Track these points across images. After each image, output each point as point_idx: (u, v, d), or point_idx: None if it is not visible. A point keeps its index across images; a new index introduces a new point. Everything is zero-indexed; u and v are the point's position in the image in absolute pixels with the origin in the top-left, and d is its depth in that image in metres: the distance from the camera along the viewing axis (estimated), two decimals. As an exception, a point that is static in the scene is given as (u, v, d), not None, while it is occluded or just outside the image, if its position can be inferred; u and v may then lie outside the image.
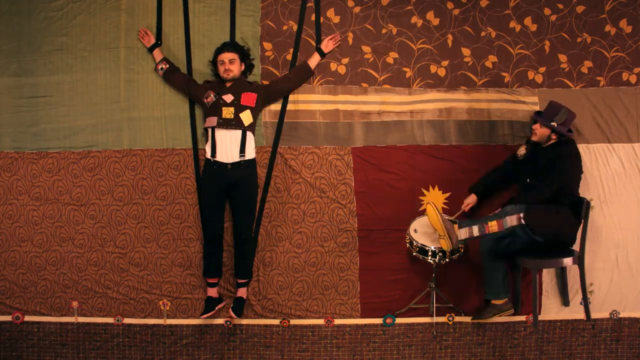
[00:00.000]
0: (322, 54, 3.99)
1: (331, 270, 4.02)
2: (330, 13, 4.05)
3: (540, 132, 3.69)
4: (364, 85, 4.05)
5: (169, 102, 4.00)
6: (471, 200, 3.88)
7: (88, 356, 4.03)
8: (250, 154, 3.79)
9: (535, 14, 4.07)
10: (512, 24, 4.07)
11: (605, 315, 4.04)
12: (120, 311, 4.02)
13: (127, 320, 4.02)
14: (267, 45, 4.03)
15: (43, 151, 4.00)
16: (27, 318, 4.02)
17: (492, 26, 4.07)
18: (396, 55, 4.06)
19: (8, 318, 4.02)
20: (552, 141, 3.70)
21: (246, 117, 3.76)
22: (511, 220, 3.52)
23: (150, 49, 3.94)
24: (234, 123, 3.74)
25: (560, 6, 4.07)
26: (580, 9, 4.06)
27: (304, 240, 4.02)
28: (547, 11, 4.06)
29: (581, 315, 3.98)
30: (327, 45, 3.99)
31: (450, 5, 4.07)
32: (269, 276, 4.02)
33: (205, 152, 3.82)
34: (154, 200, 3.99)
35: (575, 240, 3.74)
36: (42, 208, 4.00)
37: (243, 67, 3.86)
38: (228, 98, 3.78)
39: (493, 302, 3.76)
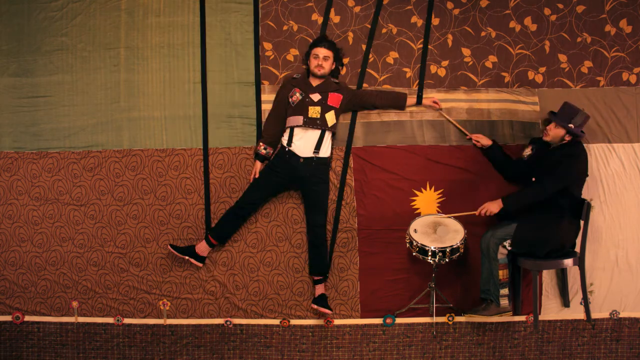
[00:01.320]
0: (419, 102, 3.99)
1: (331, 271, 4.02)
2: (331, 13, 4.05)
3: (554, 132, 3.68)
4: (364, 85, 4.05)
5: (169, 102, 4.00)
6: (485, 141, 3.90)
7: (88, 356, 4.03)
8: (325, 152, 3.79)
9: (535, 14, 4.07)
10: (512, 24, 4.07)
11: (605, 315, 4.04)
12: (120, 311, 4.02)
13: (127, 320, 4.02)
14: (267, 45, 4.03)
15: (43, 151, 4.00)
16: (27, 318, 4.02)
17: (492, 26, 4.07)
18: (396, 55, 4.06)
19: (8, 318, 4.02)
20: (564, 142, 3.69)
21: (330, 117, 3.76)
22: (502, 251, 3.68)
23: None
24: (319, 122, 3.73)
25: (560, 6, 4.07)
26: (580, 9, 4.06)
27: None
28: (547, 11, 4.07)
29: (581, 315, 3.98)
30: (427, 102, 3.97)
31: (450, 5, 4.07)
32: (269, 276, 4.02)
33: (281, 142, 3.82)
34: (154, 200, 3.99)
35: (574, 244, 3.74)
36: (42, 208, 4.00)
37: (333, 67, 3.85)
38: (315, 97, 3.76)
39: (489, 301, 3.76)
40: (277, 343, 4.04)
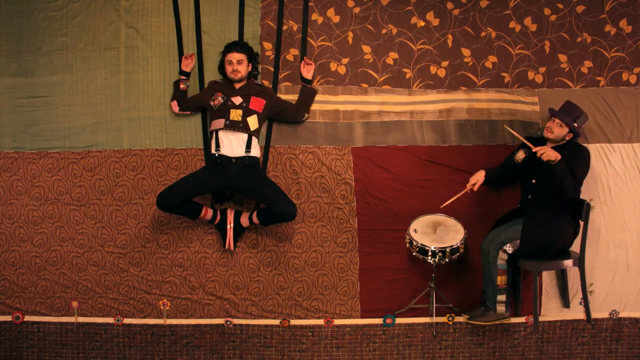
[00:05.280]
0: (309, 82, 3.95)
1: (331, 270, 4.02)
2: (330, 13, 4.05)
3: (557, 131, 3.64)
4: (364, 85, 4.05)
5: (169, 102, 3.99)
6: (480, 177, 3.77)
7: (88, 356, 4.03)
8: (255, 152, 3.77)
9: (535, 14, 4.07)
10: (512, 24, 4.07)
11: (605, 315, 4.04)
12: (120, 311, 4.02)
13: (127, 320, 4.02)
14: (267, 45, 4.03)
15: (43, 151, 4.00)
16: (27, 318, 4.02)
17: (492, 26, 4.07)
18: (396, 56, 4.06)
19: (8, 318, 4.02)
20: (562, 142, 3.67)
21: (252, 122, 3.74)
22: (502, 256, 3.67)
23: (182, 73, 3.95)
24: (241, 126, 3.71)
25: (560, 6, 4.07)
26: (580, 9, 4.06)
27: (304, 240, 4.02)
28: (547, 11, 4.07)
29: (581, 316, 3.98)
30: (307, 71, 3.93)
31: (450, 5, 4.07)
32: (269, 276, 4.02)
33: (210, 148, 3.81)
34: (154, 200, 3.98)
35: (572, 243, 3.74)
36: (42, 208, 4.00)
37: (250, 68, 3.85)
38: (237, 100, 3.75)
39: (487, 307, 3.76)
40: (277, 343, 4.04)
